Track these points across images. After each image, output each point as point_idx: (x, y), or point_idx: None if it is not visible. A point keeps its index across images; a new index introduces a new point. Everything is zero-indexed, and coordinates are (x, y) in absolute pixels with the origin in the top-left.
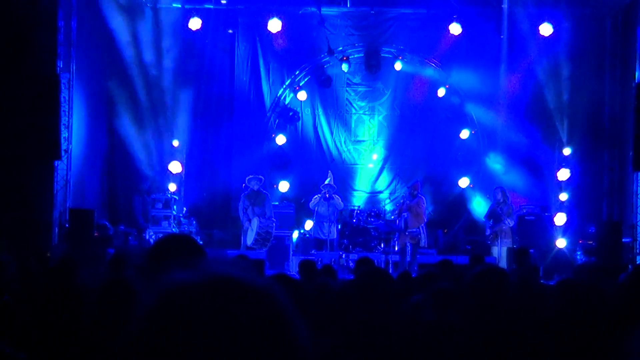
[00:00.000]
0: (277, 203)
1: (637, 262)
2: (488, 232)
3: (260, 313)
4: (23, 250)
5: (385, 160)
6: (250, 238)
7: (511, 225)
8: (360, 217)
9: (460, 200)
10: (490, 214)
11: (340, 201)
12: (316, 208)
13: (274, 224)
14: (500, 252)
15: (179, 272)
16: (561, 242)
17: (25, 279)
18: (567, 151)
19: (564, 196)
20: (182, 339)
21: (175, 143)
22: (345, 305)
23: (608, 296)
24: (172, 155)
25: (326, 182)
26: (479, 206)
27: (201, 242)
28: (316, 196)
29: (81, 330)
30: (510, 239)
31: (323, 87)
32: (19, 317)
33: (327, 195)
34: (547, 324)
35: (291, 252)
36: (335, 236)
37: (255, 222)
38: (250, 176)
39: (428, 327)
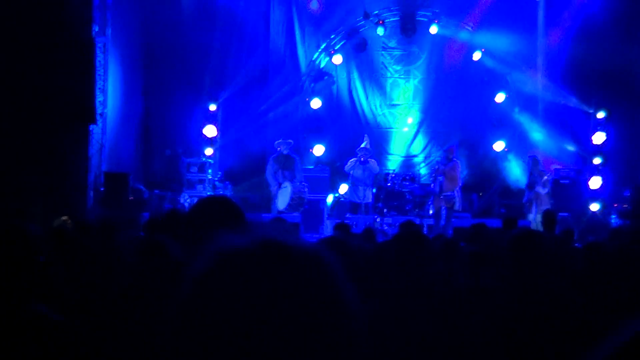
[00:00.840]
0: (312, 167)
1: None
2: (525, 199)
3: (310, 277)
4: (58, 213)
5: (420, 124)
6: (283, 202)
7: (544, 192)
8: (395, 181)
9: (495, 164)
10: (529, 183)
11: (376, 165)
12: (351, 171)
13: (306, 189)
14: (535, 218)
15: (227, 237)
16: (594, 206)
17: (58, 240)
18: (600, 114)
19: (598, 160)
20: (233, 303)
21: (212, 107)
22: (380, 268)
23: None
24: (208, 119)
25: (362, 145)
26: (514, 170)
27: None
28: (352, 159)
29: (119, 292)
30: (548, 205)
31: (358, 50)
32: (55, 279)
33: (362, 159)
34: (577, 285)
35: (326, 216)
36: (370, 200)
37: (288, 186)
38: (279, 140)
39: (462, 290)
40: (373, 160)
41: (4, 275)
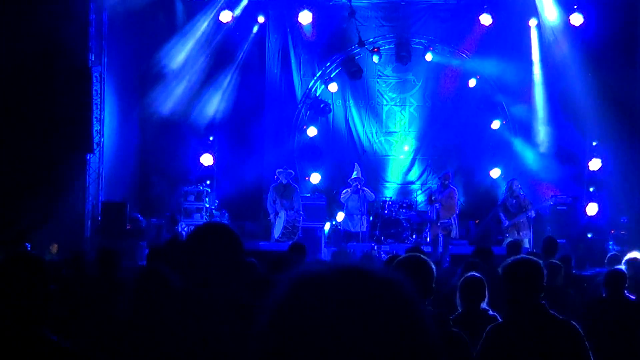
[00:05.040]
0: (308, 195)
1: None
2: (506, 223)
3: (389, 301)
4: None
5: (417, 152)
6: (277, 231)
7: (526, 218)
8: (392, 209)
9: (492, 190)
10: (503, 207)
11: (370, 192)
12: (347, 202)
13: (301, 217)
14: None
15: (306, 265)
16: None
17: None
18: (595, 142)
19: (595, 186)
20: (314, 329)
21: (211, 138)
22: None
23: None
24: (204, 147)
25: (353, 175)
26: None
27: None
28: (346, 190)
29: (121, 319)
30: (529, 231)
31: (354, 78)
32: (63, 307)
33: (357, 187)
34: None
35: (323, 244)
36: (365, 228)
37: (282, 214)
38: (281, 169)
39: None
40: (367, 188)
41: (19, 302)
